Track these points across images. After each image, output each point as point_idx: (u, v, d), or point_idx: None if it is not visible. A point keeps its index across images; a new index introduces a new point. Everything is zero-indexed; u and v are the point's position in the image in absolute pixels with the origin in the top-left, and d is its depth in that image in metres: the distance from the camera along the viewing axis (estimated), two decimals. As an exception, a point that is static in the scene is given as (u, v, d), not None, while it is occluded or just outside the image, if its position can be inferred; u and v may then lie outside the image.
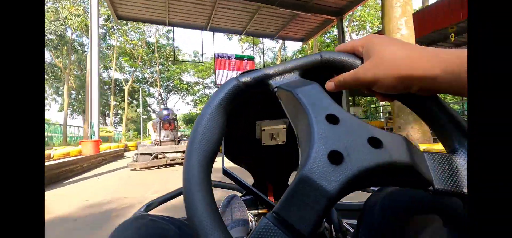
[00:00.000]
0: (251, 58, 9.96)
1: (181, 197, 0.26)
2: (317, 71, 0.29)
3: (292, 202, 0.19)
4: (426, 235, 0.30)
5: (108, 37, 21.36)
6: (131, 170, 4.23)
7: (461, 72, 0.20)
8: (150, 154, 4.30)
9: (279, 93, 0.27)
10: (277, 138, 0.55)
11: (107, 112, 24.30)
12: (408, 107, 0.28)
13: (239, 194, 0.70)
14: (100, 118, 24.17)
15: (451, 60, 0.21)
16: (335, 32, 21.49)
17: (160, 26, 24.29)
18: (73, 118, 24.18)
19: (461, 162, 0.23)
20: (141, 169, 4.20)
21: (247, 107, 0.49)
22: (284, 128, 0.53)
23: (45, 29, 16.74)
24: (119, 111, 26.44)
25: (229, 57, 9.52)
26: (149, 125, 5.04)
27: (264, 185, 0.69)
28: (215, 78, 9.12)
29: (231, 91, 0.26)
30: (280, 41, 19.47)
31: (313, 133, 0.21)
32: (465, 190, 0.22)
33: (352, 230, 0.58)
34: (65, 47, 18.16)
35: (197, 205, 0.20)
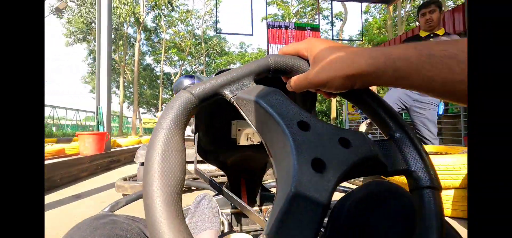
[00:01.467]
0: (315, 28, 7.33)
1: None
2: (267, 75, 0.29)
3: (289, 222, 0.18)
4: (382, 222, 0.32)
5: (158, 30, 21.59)
6: (124, 195, 2.28)
7: (386, 66, 0.24)
8: (159, 164, 2.27)
9: (238, 102, 0.26)
10: (253, 138, 0.53)
11: (158, 104, 25.11)
12: (351, 102, 0.30)
13: (212, 193, 0.68)
14: (152, 110, 24.99)
15: (377, 56, 0.25)
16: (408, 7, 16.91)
17: (207, 17, 23.80)
18: (130, 109, 25.90)
19: (400, 146, 0.26)
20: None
21: (221, 106, 0.46)
22: None
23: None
24: (170, 104, 27.09)
25: (286, 27, 7.11)
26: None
27: (237, 184, 0.66)
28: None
29: (183, 106, 0.23)
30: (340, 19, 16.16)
31: (290, 143, 0.21)
32: (406, 167, 0.25)
33: (322, 230, 0.55)
34: (121, 41, 18.84)
35: None
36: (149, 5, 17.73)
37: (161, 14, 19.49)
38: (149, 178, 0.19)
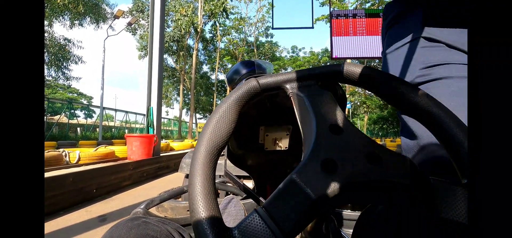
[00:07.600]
0: (393, 13, 5.94)
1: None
2: (335, 81, 0.29)
3: (279, 200, 0.20)
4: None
5: (214, 40, 22.76)
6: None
7: None
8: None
9: (294, 97, 0.29)
10: (280, 143, 0.55)
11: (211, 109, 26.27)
12: (420, 122, 0.25)
13: (240, 197, 0.79)
14: (208, 115, 26.37)
15: None
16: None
17: (259, 23, 23.95)
18: (188, 115, 28.04)
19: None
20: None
21: (251, 111, 0.49)
22: (287, 134, 0.54)
23: (168, 38, 19.09)
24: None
25: (354, 16, 5.94)
26: None
27: (264, 189, 0.68)
28: (331, 50, 5.83)
29: (248, 91, 0.27)
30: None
31: (313, 140, 0.23)
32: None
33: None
34: (182, 52, 20.52)
35: (197, 186, 0.22)
36: (206, 15, 18.73)
37: (216, 22, 20.38)
38: (203, 131, 0.25)
